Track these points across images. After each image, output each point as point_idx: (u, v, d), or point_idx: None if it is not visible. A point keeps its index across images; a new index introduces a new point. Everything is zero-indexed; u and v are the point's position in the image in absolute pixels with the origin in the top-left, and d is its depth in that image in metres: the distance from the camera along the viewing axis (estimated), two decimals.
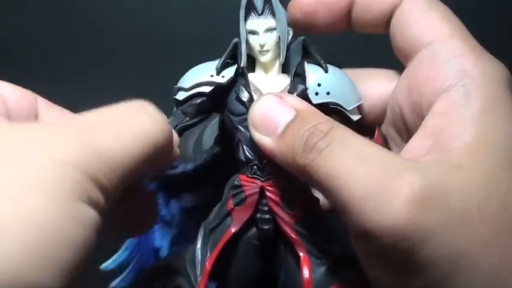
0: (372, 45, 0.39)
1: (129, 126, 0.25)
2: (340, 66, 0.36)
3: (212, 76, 0.34)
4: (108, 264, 0.39)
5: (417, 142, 0.31)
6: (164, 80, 0.38)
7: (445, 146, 0.29)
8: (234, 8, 0.35)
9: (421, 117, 0.31)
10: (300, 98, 0.32)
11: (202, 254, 0.34)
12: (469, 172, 0.27)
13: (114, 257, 0.39)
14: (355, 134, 0.29)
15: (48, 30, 0.52)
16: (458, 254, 0.26)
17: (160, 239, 0.40)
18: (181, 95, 0.35)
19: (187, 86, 0.35)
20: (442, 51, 0.31)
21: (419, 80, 0.32)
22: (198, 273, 0.33)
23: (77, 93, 0.45)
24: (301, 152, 0.29)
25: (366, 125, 0.36)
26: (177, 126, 0.35)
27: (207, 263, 0.33)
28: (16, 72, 0.37)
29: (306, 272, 0.32)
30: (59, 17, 0.56)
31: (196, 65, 0.36)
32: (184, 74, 0.36)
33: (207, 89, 0.34)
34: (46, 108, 0.32)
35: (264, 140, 0.31)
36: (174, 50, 0.45)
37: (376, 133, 0.35)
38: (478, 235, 0.26)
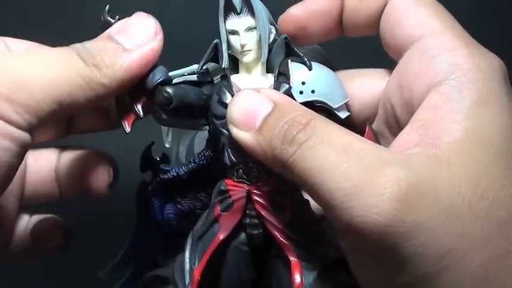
0: (365, 46, 0.38)
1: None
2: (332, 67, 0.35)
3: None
4: (106, 272, 0.39)
5: (405, 136, 0.29)
6: None
7: (434, 140, 0.27)
8: None
9: (413, 114, 0.30)
10: (277, 91, 0.32)
11: (190, 263, 0.33)
12: (459, 168, 0.26)
13: (112, 264, 0.39)
14: (337, 126, 0.28)
15: (46, 29, 0.51)
16: (446, 251, 0.25)
17: (157, 245, 0.40)
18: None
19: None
20: (433, 46, 0.30)
21: (410, 76, 0.31)
22: (187, 282, 0.33)
23: None
24: (280, 145, 0.28)
25: (357, 124, 0.35)
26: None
27: (195, 272, 0.32)
28: None
29: (297, 277, 0.31)
30: (58, 16, 0.56)
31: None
32: None
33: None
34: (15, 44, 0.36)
35: (243, 135, 0.30)
36: (173, 50, 0.44)
37: (366, 130, 0.34)
38: (468, 232, 0.25)
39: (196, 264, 0.33)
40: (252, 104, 0.30)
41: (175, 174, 0.38)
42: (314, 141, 0.27)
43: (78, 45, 0.31)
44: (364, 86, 0.35)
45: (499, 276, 0.26)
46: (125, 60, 0.31)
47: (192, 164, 0.38)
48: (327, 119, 0.29)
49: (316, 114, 0.29)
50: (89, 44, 0.31)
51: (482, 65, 0.29)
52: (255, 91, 0.31)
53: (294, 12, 0.35)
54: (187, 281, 0.33)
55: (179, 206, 0.40)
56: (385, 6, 0.33)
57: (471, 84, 0.28)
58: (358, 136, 0.28)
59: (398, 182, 0.25)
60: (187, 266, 0.33)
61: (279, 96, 0.30)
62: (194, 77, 0.34)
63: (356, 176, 0.25)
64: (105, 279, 0.38)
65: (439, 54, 0.30)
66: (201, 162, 0.38)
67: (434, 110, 0.28)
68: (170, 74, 0.34)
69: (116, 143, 0.45)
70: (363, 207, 0.25)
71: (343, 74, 0.36)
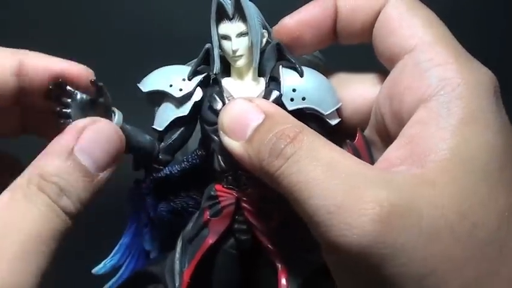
0: (360, 51, 0.38)
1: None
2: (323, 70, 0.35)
3: (181, 90, 0.34)
4: (99, 269, 0.39)
5: (393, 151, 0.29)
6: None
7: (420, 158, 0.28)
8: None
9: (402, 127, 0.30)
10: (269, 102, 0.32)
11: (180, 265, 0.34)
12: (442, 189, 0.26)
13: (105, 261, 0.39)
14: (325, 140, 0.29)
15: (46, 29, 0.51)
16: (427, 272, 0.25)
17: (150, 243, 0.40)
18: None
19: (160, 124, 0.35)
20: (424, 60, 0.30)
21: (400, 88, 0.31)
22: (177, 283, 0.33)
23: None
24: (268, 157, 0.28)
25: (350, 128, 0.35)
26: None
27: (185, 274, 0.33)
28: None
29: (283, 284, 0.32)
30: (57, 15, 0.56)
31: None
32: None
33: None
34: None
35: (233, 144, 0.30)
36: (174, 50, 0.44)
37: (357, 136, 0.34)
38: (449, 254, 0.26)
39: (186, 266, 0.33)
40: (243, 114, 0.30)
41: (168, 172, 0.39)
42: (301, 156, 0.27)
43: (52, 188, 0.29)
44: (358, 90, 0.35)
45: None
46: (96, 184, 0.31)
47: (185, 163, 0.38)
48: (316, 133, 0.29)
49: (305, 127, 0.29)
50: (62, 183, 0.29)
51: (471, 81, 0.29)
52: (247, 100, 0.31)
53: (287, 23, 0.34)
54: (177, 282, 0.33)
55: (172, 204, 0.40)
56: (378, 14, 0.33)
57: (459, 101, 0.28)
58: (345, 152, 0.28)
59: (380, 203, 0.25)
60: (177, 268, 0.34)
61: (271, 107, 0.31)
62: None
63: (340, 194, 0.26)
64: (98, 275, 0.39)
65: (430, 68, 0.29)
66: (194, 161, 0.38)
67: (423, 126, 0.28)
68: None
69: None
70: (345, 227, 0.25)
71: (336, 76, 0.36)
